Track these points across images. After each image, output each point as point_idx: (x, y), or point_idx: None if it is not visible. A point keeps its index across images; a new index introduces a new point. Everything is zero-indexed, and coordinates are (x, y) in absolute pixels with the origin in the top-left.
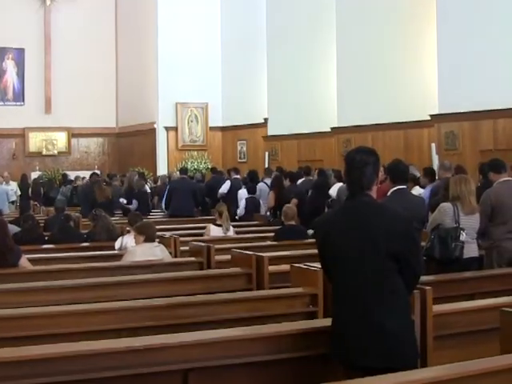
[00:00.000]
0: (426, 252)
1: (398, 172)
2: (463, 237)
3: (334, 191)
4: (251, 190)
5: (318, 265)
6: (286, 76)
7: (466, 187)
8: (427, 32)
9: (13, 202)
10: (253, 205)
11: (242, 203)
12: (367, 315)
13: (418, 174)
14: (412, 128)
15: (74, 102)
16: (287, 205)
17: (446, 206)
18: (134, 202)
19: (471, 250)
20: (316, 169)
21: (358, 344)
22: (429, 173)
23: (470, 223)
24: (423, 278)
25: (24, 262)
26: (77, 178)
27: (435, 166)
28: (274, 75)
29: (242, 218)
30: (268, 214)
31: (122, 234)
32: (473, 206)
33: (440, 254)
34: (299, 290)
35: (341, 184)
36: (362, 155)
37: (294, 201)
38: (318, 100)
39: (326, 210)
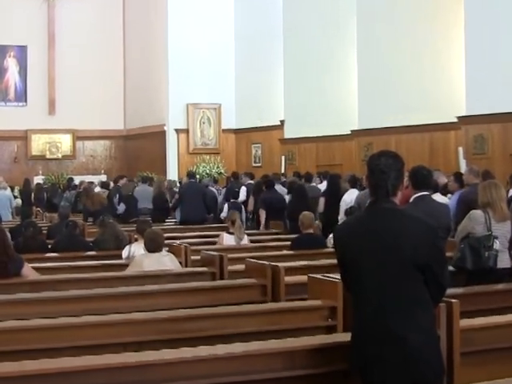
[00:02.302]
0: (456, 263)
1: (421, 178)
2: (497, 245)
3: (349, 198)
4: (234, 195)
5: (337, 275)
6: (304, 75)
7: (497, 193)
8: (454, 29)
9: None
10: (235, 209)
11: (225, 207)
12: (389, 328)
13: (445, 180)
14: (438, 131)
15: (80, 103)
16: (304, 212)
17: (477, 213)
18: (122, 205)
19: (503, 260)
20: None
21: (378, 359)
22: (459, 178)
23: (503, 231)
24: (450, 291)
25: (27, 270)
26: (82, 182)
27: (463, 171)
28: (291, 75)
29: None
30: (250, 216)
31: (130, 243)
32: (504, 213)
33: (473, 264)
34: (317, 302)
35: (355, 190)
36: (387, 159)
37: (261, 211)
38: (337, 101)
39: (344, 217)
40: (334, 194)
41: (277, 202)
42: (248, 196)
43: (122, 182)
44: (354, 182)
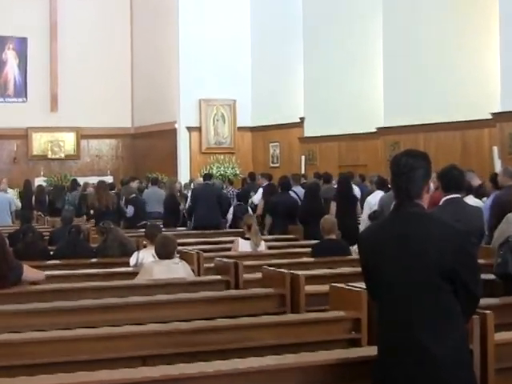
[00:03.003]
0: (496, 270)
1: (452, 179)
2: None
3: (374, 200)
4: (240, 197)
5: (361, 285)
6: (325, 69)
7: None
8: (488, 20)
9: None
10: (240, 212)
11: (230, 210)
12: (416, 342)
13: (478, 182)
14: (470, 128)
15: (84, 99)
16: (325, 216)
17: None
18: (130, 208)
19: None
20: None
21: (404, 375)
22: (495, 179)
23: None
24: (484, 301)
25: (28, 273)
26: (86, 184)
27: (498, 172)
28: (312, 69)
29: (230, 226)
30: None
31: (138, 249)
32: None
33: None
34: (340, 313)
35: (380, 192)
36: (408, 159)
37: (267, 215)
38: (361, 96)
39: (368, 220)
40: (345, 197)
41: (290, 205)
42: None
43: (133, 184)
44: (382, 184)
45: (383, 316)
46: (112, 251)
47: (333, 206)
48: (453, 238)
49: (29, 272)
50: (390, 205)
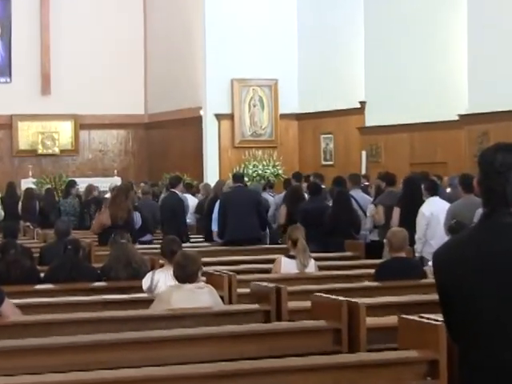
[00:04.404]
0: None
1: None
2: None
3: (429, 210)
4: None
5: (439, 317)
6: (393, 42)
7: None
8: None
9: None
10: None
11: None
12: None
13: None
14: None
15: (84, 79)
16: (393, 229)
17: None
18: (137, 215)
19: None
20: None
21: None
22: None
23: None
24: None
25: (8, 308)
26: (90, 187)
27: None
28: (375, 39)
29: None
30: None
31: (153, 269)
32: None
33: None
34: (412, 353)
35: (436, 199)
36: (506, 155)
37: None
38: (439, 76)
39: (447, 235)
40: (412, 203)
41: (321, 214)
42: None
43: (179, 187)
44: (434, 189)
45: (469, 359)
46: (115, 273)
47: (395, 213)
48: None
49: (9, 308)
50: (467, 214)
